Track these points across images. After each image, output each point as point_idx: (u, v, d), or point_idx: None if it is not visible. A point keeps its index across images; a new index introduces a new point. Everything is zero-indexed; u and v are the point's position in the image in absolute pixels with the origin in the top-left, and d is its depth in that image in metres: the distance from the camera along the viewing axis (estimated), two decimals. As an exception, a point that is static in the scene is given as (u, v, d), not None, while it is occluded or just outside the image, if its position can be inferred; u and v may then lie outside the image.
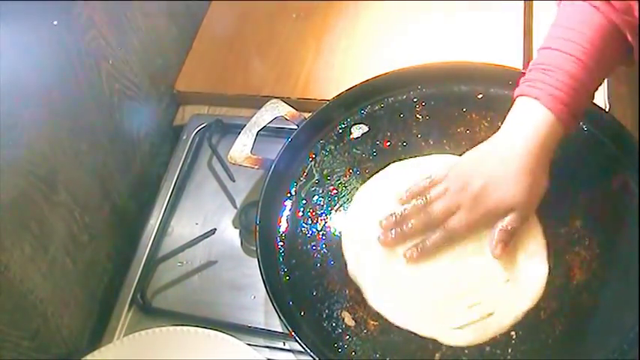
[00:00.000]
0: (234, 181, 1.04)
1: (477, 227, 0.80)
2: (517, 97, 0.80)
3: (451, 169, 0.83)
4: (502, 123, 0.90)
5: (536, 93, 0.77)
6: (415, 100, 0.99)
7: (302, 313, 0.83)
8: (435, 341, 0.78)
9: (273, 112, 0.98)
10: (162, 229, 1.01)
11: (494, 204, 0.79)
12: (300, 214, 0.92)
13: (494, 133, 0.82)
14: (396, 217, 0.83)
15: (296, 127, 0.97)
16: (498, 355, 0.76)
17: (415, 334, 0.79)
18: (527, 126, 0.78)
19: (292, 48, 1.17)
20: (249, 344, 0.85)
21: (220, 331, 0.86)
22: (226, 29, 1.23)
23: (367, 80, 0.99)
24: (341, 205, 0.92)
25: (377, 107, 1.00)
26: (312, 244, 0.89)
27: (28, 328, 0.83)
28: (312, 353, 0.77)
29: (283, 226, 0.92)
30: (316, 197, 0.93)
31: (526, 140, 0.77)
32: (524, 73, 0.80)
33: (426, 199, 0.82)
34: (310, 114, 0.98)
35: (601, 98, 1.02)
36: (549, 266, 0.80)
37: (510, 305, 0.79)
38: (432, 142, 0.95)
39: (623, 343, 0.74)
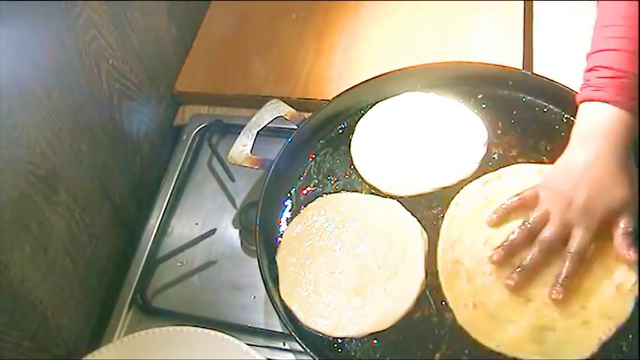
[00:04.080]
0: (234, 181, 1.04)
1: (597, 240, 0.78)
2: (581, 102, 0.80)
3: (541, 190, 0.81)
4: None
5: (603, 96, 0.78)
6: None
7: (302, 313, 0.84)
8: (435, 341, 0.79)
9: (273, 112, 0.98)
10: (162, 229, 1.01)
11: (605, 211, 0.77)
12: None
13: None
14: (506, 249, 0.80)
15: (296, 127, 0.97)
16: (498, 356, 0.76)
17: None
18: (605, 127, 0.77)
19: (292, 48, 1.17)
20: (249, 344, 0.85)
21: (220, 331, 0.86)
22: (226, 29, 1.23)
23: (367, 80, 0.99)
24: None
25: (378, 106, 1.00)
26: (312, 244, 0.89)
27: (28, 328, 0.83)
28: (312, 353, 0.77)
29: (283, 226, 0.92)
30: (316, 197, 0.93)
31: (609, 140, 0.77)
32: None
33: (529, 224, 0.79)
34: (310, 114, 0.98)
35: (601, 98, 1.02)
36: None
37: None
38: (431, 142, 0.96)
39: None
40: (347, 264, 0.85)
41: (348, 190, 0.93)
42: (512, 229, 0.81)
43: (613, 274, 0.77)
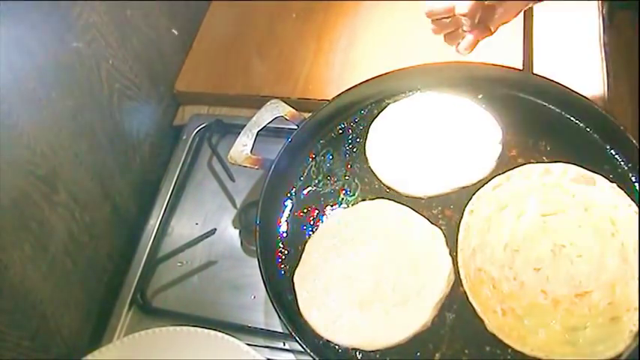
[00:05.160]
0: (234, 181, 1.04)
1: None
2: None
3: None
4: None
5: None
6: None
7: (302, 313, 0.84)
8: (435, 341, 0.79)
9: (273, 112, 0.98)
10: (162, 229, 1.01)
11: None
12: (301, 214, 0.92)
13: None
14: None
15: (296, 127, 0.97)
16: (498, 355, 0.77)
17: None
18: None
19: (292, 48, 1.17)
20: (249, 344, 0.85)
21: (220, 331, 0.86)
22: (226, 29, 1.23)
23: (367, 80, 0.99)
24: (341, 205, 0.92)
25: (377, 107, 1.00)
26: (312, 244, 0.89)
27: (28, 328, 0.83)
28: (312, 353, 0.77)
29: (283, 226, 0.92)
30: (316, 197, 0.93)
31: None
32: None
33: None
34: (310, 114, 0.98)
35: (601, 98, 1.02)
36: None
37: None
38: (432, 142, 0.95)
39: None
40: (366, 274, 0.84)
41: (347, 190, 0.93)
42: (531, 233, 0.82)
43: (634, 266, 0.78)
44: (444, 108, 0.97)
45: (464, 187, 0.89)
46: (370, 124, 0.98)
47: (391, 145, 0.95)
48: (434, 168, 0.92)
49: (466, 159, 0.92)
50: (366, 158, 0.95)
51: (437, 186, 0.90)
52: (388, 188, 0.92)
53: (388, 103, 1.00)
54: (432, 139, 0.95)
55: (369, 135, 0.97)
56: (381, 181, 0.92)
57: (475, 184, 0.89)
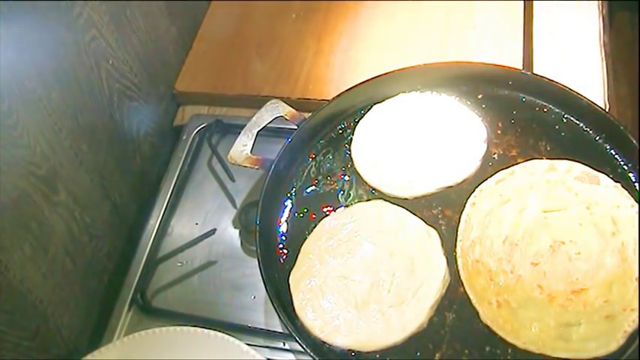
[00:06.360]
0: (234, 181, 1.04)
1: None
2: None
3: None
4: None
5: None
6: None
7: (302, 313, 0.84)
8: (435, 341, 0.79)
9: (273, 112, 0.98)
10: (162, 229, 1.01)
11: None
12: (301, 214, 0.92)
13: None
14: None
15: (296, 127, 0.97)
16: (498, 355, 0.77)
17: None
18: None
19: (292, 48, 1.17)
20: (249, 344, 0.85)
21: (220, 331, 0.86)
22: (226, 29, 1.23)
23: (367, 80, 0.99)
24: (341, 205, 0.92)
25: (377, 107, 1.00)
26: (312, 244, 0.89)
27: (28, 328, 0.83)
28: (312, 353, 0.77)
29: (283, 226, 0.92)
30: (316, 197, 0.93)
31: None
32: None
33: None
34: (310, 114, 0.98)
35: (601, 98, 1.02)
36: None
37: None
38: (432, 142, 0.95)
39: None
40: (362, 275, 0.84)
41: (347, 190, 0.93)
42: (532, 228, 0.82)
43: (633, 266, 0.78)
44: (428, 108, 0.97)
45: (449, 187, 0.89)
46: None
47: (376, 146, 0.95)
48: (418, 168, 0.92)
49: (450, 159, 0.92)
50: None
51: (421, 186, 0.90)
52: (374, 189, 0.92)
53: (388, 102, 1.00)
54: (416, 139, 0.95)
55: (354, 136, 0.97)
56: (362, 180, 0.92)
57: (460, 183, 0.89)
